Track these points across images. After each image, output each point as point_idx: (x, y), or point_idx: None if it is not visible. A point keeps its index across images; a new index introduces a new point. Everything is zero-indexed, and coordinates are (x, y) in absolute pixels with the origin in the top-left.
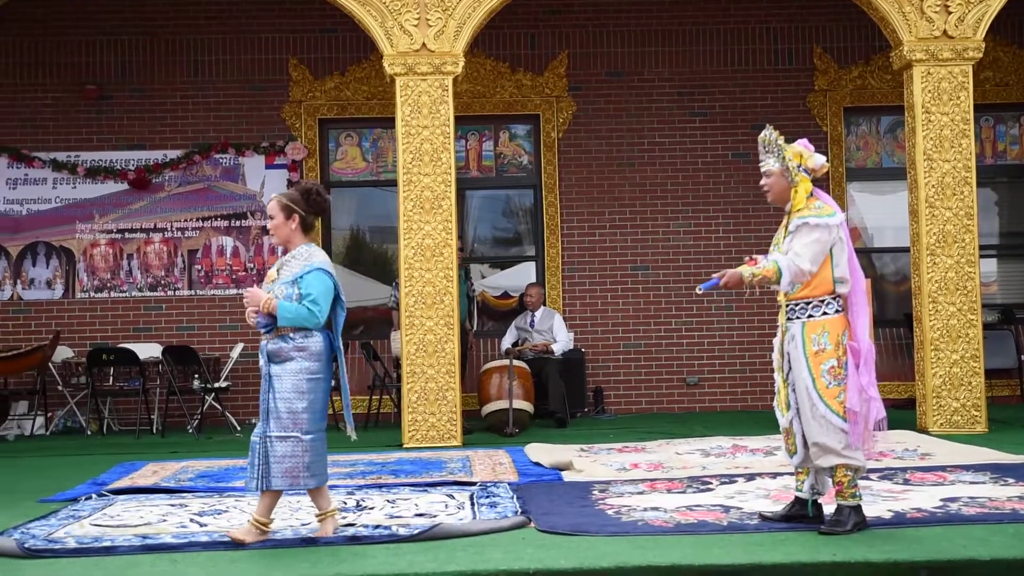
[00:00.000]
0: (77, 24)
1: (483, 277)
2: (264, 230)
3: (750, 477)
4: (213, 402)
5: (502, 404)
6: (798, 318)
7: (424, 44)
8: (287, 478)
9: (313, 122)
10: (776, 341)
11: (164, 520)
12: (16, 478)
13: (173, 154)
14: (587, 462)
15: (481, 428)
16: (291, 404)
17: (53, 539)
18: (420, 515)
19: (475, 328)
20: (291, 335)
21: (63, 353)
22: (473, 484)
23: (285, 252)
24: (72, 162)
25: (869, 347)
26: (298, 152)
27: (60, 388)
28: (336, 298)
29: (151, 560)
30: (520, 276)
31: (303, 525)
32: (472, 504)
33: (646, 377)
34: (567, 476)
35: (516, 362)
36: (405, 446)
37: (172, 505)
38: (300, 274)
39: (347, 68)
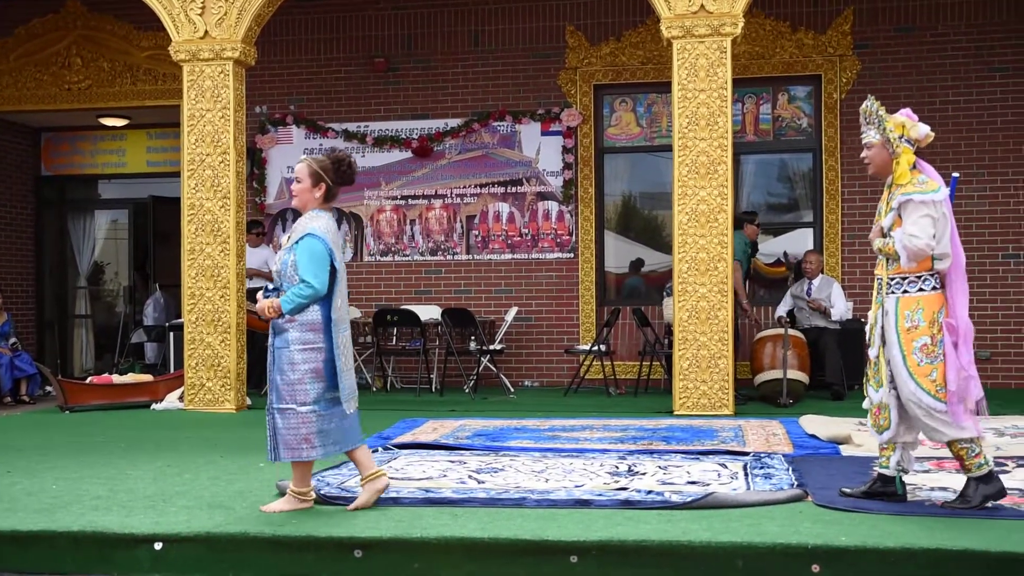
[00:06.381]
0: None
1: None
2: (539, 196)
3: None
4: (488, 363)
5: (776, 374)
6: (893, 293)
7: (703, 6)
8: (288, 450)
9: (588, 88)
10: (871, 315)
11: (444, 475)
12: None
13: (454, 122)
14: (866, 436)
15: (754, 398)
16: (286, 376)
17: (345, 488)
18: (692, 483)
19: (746, 296)
20: None
21: (351, 314)
22: (746, 454)
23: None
24: (362, 132)
25: (968, 325)
26: (573, 118)
27: None
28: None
29: (433, 513)
30: (794, 243)
31: (576, 487)
32: (745, 474)
33: None
34: (845, 450)
35: (791, 331)
36: (676, 413)
37: (451, 461)
38: (296, 240)
39: (622, 33)
